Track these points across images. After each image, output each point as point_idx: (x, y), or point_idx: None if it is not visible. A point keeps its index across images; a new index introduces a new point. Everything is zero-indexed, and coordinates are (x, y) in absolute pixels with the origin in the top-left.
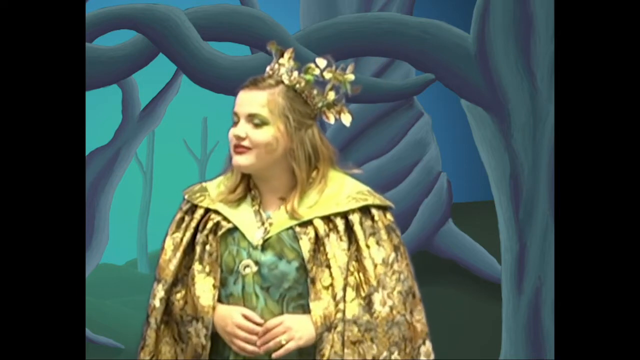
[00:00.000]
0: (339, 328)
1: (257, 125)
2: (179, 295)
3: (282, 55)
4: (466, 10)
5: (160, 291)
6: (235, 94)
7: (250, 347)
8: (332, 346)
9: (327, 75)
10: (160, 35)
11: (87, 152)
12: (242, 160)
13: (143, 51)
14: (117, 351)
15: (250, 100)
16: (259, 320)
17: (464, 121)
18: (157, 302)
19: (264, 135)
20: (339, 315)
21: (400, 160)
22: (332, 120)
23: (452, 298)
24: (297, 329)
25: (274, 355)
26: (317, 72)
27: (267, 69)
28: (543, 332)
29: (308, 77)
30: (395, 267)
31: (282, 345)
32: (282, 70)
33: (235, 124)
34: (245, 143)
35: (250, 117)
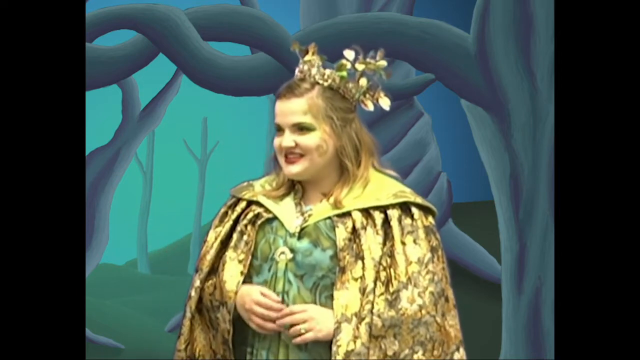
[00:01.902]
0: (367, 319)
1: (303, 132)
2: (209, 283)
3: (306, 53)
4: (466, 10)
5: (196, 281)
6: (235, 94)
7: (268, 325)
8: (358, 337)
9: (360, 67)
10: (160, 35)
11: (87, 152)
12: (296, 169)
13: (143, 51)
14: (117, 351)
15: (291, 110)
16: (276, 298)
17: (464, 121)
18: (192, 292)
19: (313, 139)
20: (368, 306)
21: (400, 160)
22: (371, 107)
23: None
24: (319, 320)
25: (292, 342)
26: (349, 66)
27: (296, 71)
28: (543, 332)
29: (342, 74)
30: (430, 267)
31: (300, 334)
32: (313, 70)
33: (279, 134)
34: (297, 151)
35: (295, 127)
